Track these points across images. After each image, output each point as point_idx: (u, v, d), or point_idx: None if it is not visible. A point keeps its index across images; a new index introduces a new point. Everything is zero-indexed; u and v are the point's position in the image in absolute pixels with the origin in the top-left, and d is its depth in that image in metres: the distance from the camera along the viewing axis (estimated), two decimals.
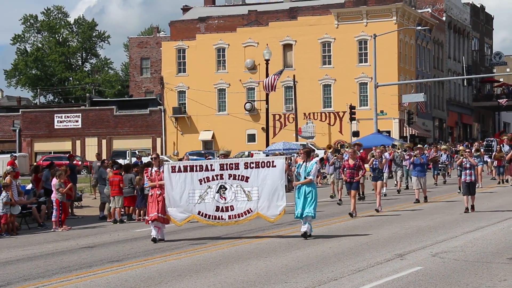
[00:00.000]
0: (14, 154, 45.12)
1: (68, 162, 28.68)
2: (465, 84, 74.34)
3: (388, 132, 60.13)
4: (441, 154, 35.79)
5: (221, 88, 66.89)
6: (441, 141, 63.60)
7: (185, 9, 77.13)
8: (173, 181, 17.01)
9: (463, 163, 21.98)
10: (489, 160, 36.87)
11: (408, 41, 66.02)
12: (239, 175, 16.94)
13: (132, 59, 79.95)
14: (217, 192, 16.95)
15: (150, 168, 17.84)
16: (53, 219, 21.63)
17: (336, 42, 63.69)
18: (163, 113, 67.69)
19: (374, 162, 23.49)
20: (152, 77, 78.24)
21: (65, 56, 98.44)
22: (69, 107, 73.82)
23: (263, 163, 17.00)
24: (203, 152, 56.30)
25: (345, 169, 21.88)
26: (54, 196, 21.79)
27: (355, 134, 55.94)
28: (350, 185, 21.74)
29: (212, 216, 16.95)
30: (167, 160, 26.69)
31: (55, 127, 68.60)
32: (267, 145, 50.16)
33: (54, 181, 22.03)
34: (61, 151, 63.85)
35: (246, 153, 51.89)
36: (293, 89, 61.31)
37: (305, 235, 16.61)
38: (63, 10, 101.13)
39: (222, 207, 16.92)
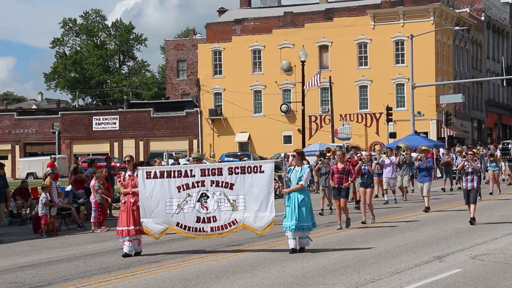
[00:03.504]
0: (54, 156, 45.66)
1: (105, 164, 28.94)
2: (504, 84, 73.21)
3: (426, 133, 59.65)
4: (455, 157, 32.56)
5: (257, 90, 66.97)
6: (479, 142, 62.84)
7: (221, 11, 77.40)
8: (148, 188, 15.38)
9: (465, 167, 19.53)
10: (507, 163, 34.34)
11: (446, 41, 65.42)
12: (222, 182, 15.21)
13: (168, 61, 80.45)
14: (198, 201, 15.25)
15: (123, 173, 16.01)
16: (92, 220, 21.86)
17: (373, 43, 63.37)
18: (199, 115, 67.99)
19: (363, 167, 20.91)
20: (188, 79, 78.62)
21: (103, 59, 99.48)
22: (107, 110, 74.53)
23: (249, 168, 15.22)
24: (239, 153, 56.43)
25: (334, 174, 19.41)
26: (93, 197, 22.02)
27: (392, 135, 55.59)
28: (338, 192, 19.19)
29: (193, 228, 15.28)
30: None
31: (93, 129, 69.35)
32: (303, 146, 50.09)
33: (93, 182, 22.26)
34: (99, 153, 64.49)
35: (282, 155, 51.90)
36: (329, 91, 61.16)
37: (302, 250, 15.12)
38: (101, 13, 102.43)
39: (204, 217, 15.22)
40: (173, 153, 56.62)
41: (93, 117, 69.93)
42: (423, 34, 54.97)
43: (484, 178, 36.73)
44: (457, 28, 60.42)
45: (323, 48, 65.21)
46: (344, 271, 12.71)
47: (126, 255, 15.37)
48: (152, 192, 15.34)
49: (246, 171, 15.19)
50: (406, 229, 18.74)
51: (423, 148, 25.30)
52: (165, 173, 15.43)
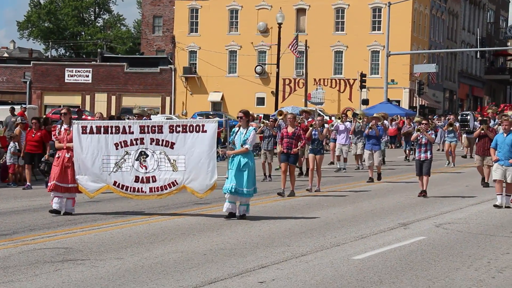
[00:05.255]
0: (24, 106, 45.20)
1: (76, 116, 28.66)
2: (478, 56, 73.79)
3: (398, 101, 59.95)
4: (415, 127, 31.63)
5: (232, 50, 66.66)
6: (450, 112, 63.36)
7: None
8: (84, 144, 14.55)
9: (419, 138, 18.72)
10: (464, 135, 32.84)
11: (422, 10, 65.47)
12: (163, 140, 14.49)
13: (144, 16, 79.61)
14: (137, 160, 14.52)
15: (58, 126, 15.18)
16: None
17: (350, 8, 63.23)
18: (173, 72, 67.58)
19: (313, 133, 19.52)
20: (164, 36, 77.96)
21: (78, 10, 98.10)
22: (80, 62, 73.74)
23: (191, 127, 14.47)
24: (211, 113, 56.28)
25: (283, 139, 18.46)
26: None
27: (365, 102, 55.84)
28: (286, 158, 18.19)
29: (131, 187, 14.58)
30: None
31: (66, 81, 68.64)
32: (276, 109, 50.06)
33: None
34: (70, 105, 63.84)
35: (255, 116, 51.88)
36: (304, 54, 61.06)
37: (243, 217, 14.25)
38: None
39: (143, 177, 14.53)
40: (145, 109, 56.27)
41: (66, 69, 69.15)
42: (400, 2, 54.95)
43: (441, 150, 35.94)
44: None
45: (301, 11, 64.93)
46: (310, 234, 12.83)
47: (54, 211, 14.48)
48: (88, 148, 14.58)
49: (188, 129, 14.48)
50: (374, 196, 18.94)
51: (375, 115, 23.81)
52: (102, 129, 14.65)
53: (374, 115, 24.12)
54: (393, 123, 41.03)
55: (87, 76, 68.44)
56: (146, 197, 14.84)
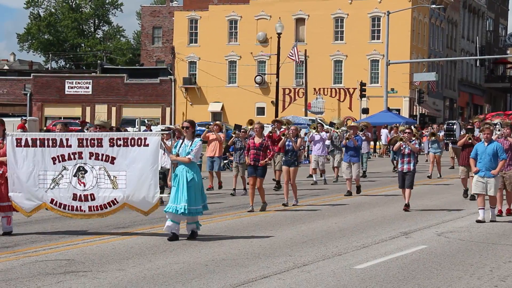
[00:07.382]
0: (24, 118, 45.25)
1: (80, 128, 28.77)
2: (477, 64, 73.89)
3: (398, 110, 60.02)
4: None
5: (232, 60, 66.79)
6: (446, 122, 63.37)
7: None
8: (19, 158, 13.55)
9: (401, 148, 17.58)
10: (450, 145, 31.06)
11: (422, 19, 65.61)
12: (103, 155, 13.52)
13: (144, 27, 79.79)
14: (75, 176, 13.53)
15: None
16: None
17: (349, 18, 63.38)
18: (173, 83, 67.71)
19: (287, 143, 18.14)
20: (163, 47, 78.12)
21: (78, 22, 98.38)
22: (80, 73, 73.89)
23: (133, 140, 13.53)
24: (211, 123, 56.30)
25: (249, 150, 17.34)
26: None
27: (365, 111, 55.89)
28: (254, 170, 17.07)
29: (69, 206, 13.60)
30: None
31: (66, 92, 68.80)
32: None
33: None
34: (71, 116, 64.06)
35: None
36: (304, 64, 61.17)
37: (193, 235, 13.24)
38: None
39: (81, 195, 13.53)
40: (146, 120, 56.34)
41: (66, 81, 69.32)
42: (399, 11, 55.10)
43: (425, 161, 35.21)
44: (433, 6, 60.57)
45: (300, 21, 65.09)
46: (312, 243, 12.82)
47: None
48: (24, 162, 13.56)
49: (129, 143, 13.54)
50: (375, 205, 18.93)
51: (352, 125, 22.73)
52: (38, 141, 13.62)
53: (352, 124, 23.04)
54: (392, 132, 41.00)
55: (87, 87, 68.57)
56: (87, 216, 13.89)
